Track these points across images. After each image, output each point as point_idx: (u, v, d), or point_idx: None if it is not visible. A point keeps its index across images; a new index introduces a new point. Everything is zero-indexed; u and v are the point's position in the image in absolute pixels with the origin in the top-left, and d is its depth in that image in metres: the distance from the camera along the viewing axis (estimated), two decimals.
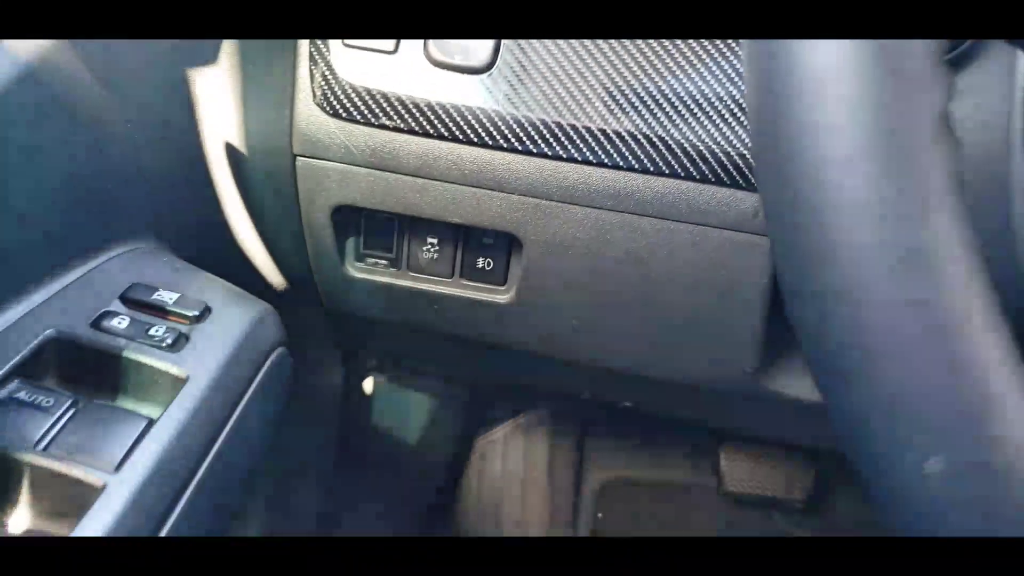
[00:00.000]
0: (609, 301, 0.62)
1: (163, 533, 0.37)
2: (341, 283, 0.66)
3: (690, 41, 0.55)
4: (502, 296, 0.65)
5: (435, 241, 0.63)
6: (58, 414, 0.38)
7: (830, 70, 0.22)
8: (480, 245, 0.63)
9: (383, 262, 0.65)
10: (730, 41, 0.56)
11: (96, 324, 0.43)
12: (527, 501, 1.28)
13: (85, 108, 0.43)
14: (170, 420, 0.40)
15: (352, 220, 0.64)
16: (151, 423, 0.39)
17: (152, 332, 0.43)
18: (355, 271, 0.65)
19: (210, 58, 0.53)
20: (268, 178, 0.59)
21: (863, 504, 1.03)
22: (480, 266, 0.64)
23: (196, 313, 0.46)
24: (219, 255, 0.60)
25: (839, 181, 0.22)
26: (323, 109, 0.57)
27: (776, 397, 0.66)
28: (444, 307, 0.67)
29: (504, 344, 0.69)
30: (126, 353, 0.42)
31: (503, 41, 0.55)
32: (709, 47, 0.55)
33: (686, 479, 1.30)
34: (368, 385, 1.09)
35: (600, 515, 1.29)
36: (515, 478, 1.28)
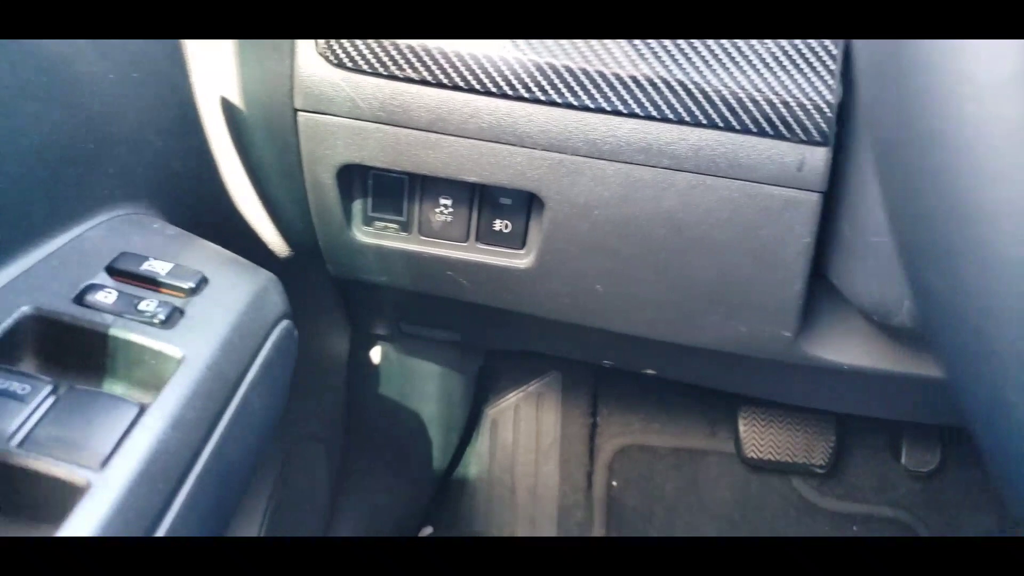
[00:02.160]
0: (638, 264, 0.58)
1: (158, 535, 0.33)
2: (347, 249, 0.62)
3: None
4: (521, 260, 0.60)
5: (449, 202, 0.59)
6: (36, 403, 0.33)
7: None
8: (497, 206, 0.59)
9: (393, 226, 0.61)
10: None
11: (79, 299, 0.38)
12: (540, 470, 1.25)
13: (60, 56, 0.39)
14: (164, 406, 0.35)
15: (359, 180, 0.59)
16: (142, 410, 0.35)
17: (142, 307, 0.39)
18: (363, 235, 0.61)
19: None
20: (268, 136, 0.54)
21: (882, 470, 1.00)
22: (497, 228, 0.60)
23: (192, 285, 0.41)
24: (216, 220, 0.55)
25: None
26: (326, 59, 0.52)
27: (815, 363, 0.63)
28: (458, 273, 0.62)
29: (523, 311, 0.65)
30: (113, 331, 0.37)
31: None
32: None
33: (702, 445, 1.27)
34: (376, 355, 1.05)
35: (615, 483, 1.26)
36: (527, 447, 1.26)
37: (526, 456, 1.25)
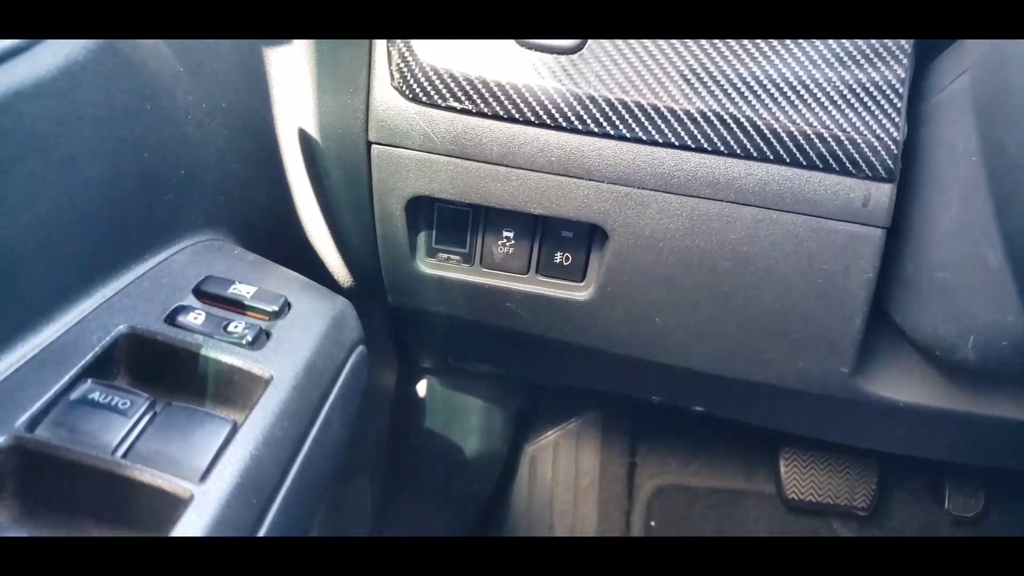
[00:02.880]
0: (700, 296, 0.58)
1: None
2: (411, 279, 0.63)
3: None
4: (580, 293, 0.61)
5: (511, 234, 0.60)
6: (136, 417, 0.34)
7: None
8: (558, 238, 0.60)
9: (455, 257, 0.61)
10: None
11: (171, 319, 0.39)
12: (579, 510, 1.24)
13: (163, 84, 0.40)
14: (256, 424, 0.36)
15: (424, 212, 0.60)
16: (235, 427, 0.36)
17: (231, 328, 0.40)
18: (426, 266, 0.62)
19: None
20: (341, 167, 0.55)
21: (924, 514, 0.98)
22: (558, 261, 0.60)
23: (276, 308, 0.42)
24: (286, 248, 0.56)
25: None
26: (402, 94, 0.53)
27: (870, 400, 0.62)
28: (518, 305, 0.63)
29: (580, 344, 0.66)
30: (204, 351, 0.38)
31: None
32: None
33: (741, 486, 1.26)
34: (421, 388, 1.06)
35: (653, 524, 1.25)
36: (566, 486, 1.25)
37: (565, 495, 1.24)
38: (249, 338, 0.40)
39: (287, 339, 0.41)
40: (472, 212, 0.59)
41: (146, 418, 0.35)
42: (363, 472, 0.96)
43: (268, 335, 0.41)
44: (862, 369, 0.62)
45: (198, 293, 0.42)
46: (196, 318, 0.40)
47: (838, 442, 0.86)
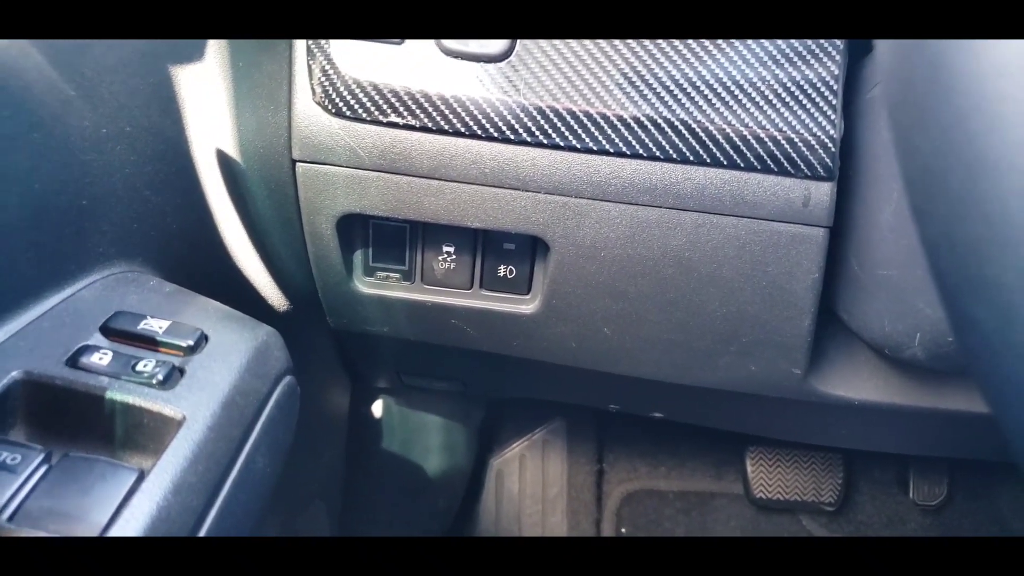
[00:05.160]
0: (646, 305, 0.56)
1: None
2: (348, 300, 0.60)
3: None
4: (526, 306, 0.59)
5: (451, 249, 0.58)
6: (27, 473, 0.32)
7: None
8: (501, 252, 0.58)
9: (395, 275, 0.59)
10: None
11: (72, 361, 0.37)
12: (548, 521, 1.23)
13: (51, 111, 0.37)
14: (164, 470, 0.34)
15: (359, 230, 0.58)
16: (142, 475, 0.33)
17: (140, 368, 0.37)
18: (364, 286, 0.60)
19: (196, 54, 0.47)
20: (265, 188, 0.53)
21: (891, 506, 0.98)
22: (501, 274, 0.58)
23: (191, 343, 0.40)
24: (213, 276, 0.54)
25: None
26: (324, 108, 0.51)
27: (825, 400, 0.61)
28: (463, 321, 0.61)
29: (529, 357, 0.64)
30: (109, 394, 0.36)
31: None
32: None
33: (710, 487, 1.25)
34: (377, 408, 1.03)
35: (624, 530, 1.24)
36: (534, 497, 1.23)
37: (533, 507, 1.23)
38: (160, 377, 0.37)
39: (203, 375, 0.38)
40: (409, 228, 0.57)
41: (39, 473, 0.32)
42: (317, 500, 0.93)
43: (182, 372, 0.38)
44: (815, 370, 0.60)
45: (106, 331, 0.39)
46: (102, 358, 0.37)
47: (799, 442, 0.85)
